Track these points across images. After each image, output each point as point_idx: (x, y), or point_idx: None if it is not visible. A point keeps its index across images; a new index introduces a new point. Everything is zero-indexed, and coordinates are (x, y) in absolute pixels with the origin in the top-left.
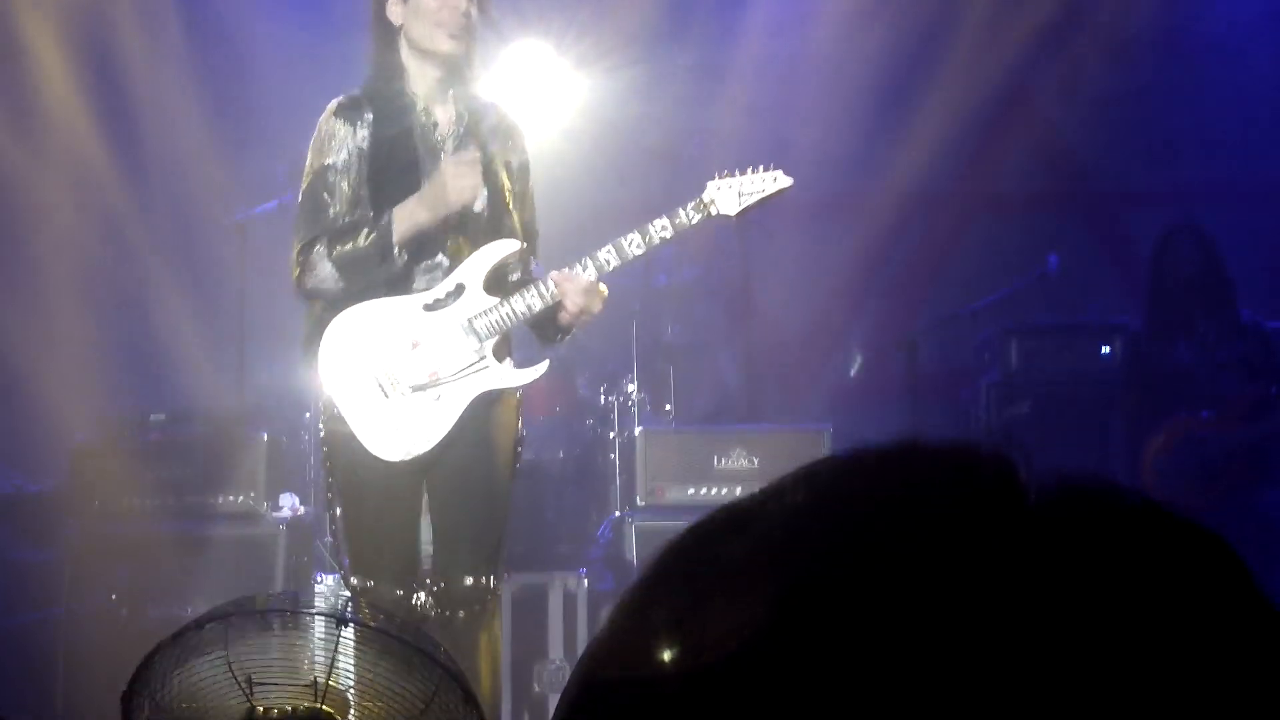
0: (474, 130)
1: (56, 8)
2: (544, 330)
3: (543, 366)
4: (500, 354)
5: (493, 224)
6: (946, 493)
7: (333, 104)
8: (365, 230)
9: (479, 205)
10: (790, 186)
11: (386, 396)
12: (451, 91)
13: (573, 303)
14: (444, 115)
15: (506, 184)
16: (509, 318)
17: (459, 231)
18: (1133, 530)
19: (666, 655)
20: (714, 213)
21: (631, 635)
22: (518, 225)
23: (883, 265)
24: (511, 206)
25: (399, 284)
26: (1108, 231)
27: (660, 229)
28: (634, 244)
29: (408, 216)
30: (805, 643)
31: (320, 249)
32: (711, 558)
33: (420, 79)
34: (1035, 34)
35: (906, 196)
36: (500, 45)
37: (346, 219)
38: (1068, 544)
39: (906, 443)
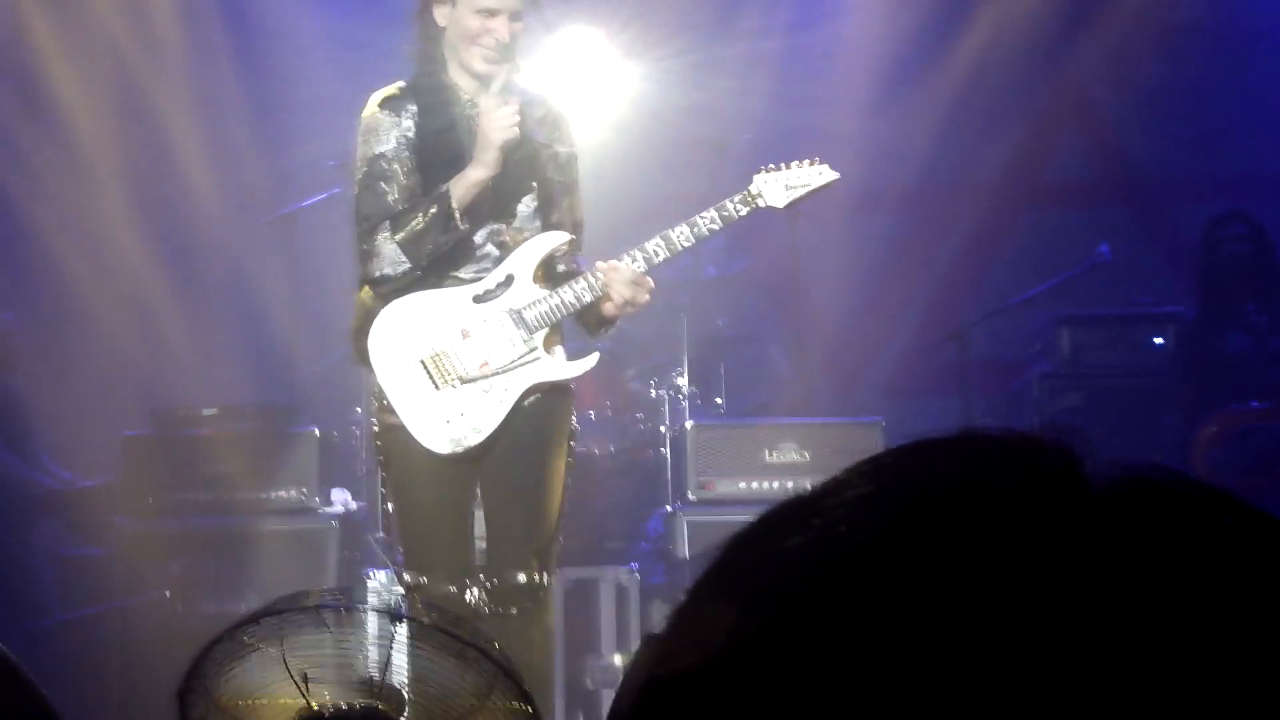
0: (520, 121)
1: (102, 5)
2: (589, 321)
3: (593, 359)
4: (550, 345)
5: (540, 215)
6: (1010, 484)
7: (376, 96)
8: (424, 208)
9: (528, 201)
10: (837, 180)
11: (437, 388)
12: (494, 84)
13: (618, 294)
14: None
15: (555, 175)
16: (559, 309)
17: (507, 222)
18: (1201, 519)
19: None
20: (761, 205)
21: (661, 642)
22: (565, 216)
23: (933, 256)
24: (558, 198)
25: (449, 272)
26: (1157, 222)
27: (708, 222)
28: (682, 236)
29: (462, 179)
30: (857, 645)
31: (384, 235)
32: (768, 555)
33: (461, 74)
34: (1083, 23)
35: (956, 187)
36: (548, 33)
37: (403, 207)
38: (1136, 534)
39: (967, 433)
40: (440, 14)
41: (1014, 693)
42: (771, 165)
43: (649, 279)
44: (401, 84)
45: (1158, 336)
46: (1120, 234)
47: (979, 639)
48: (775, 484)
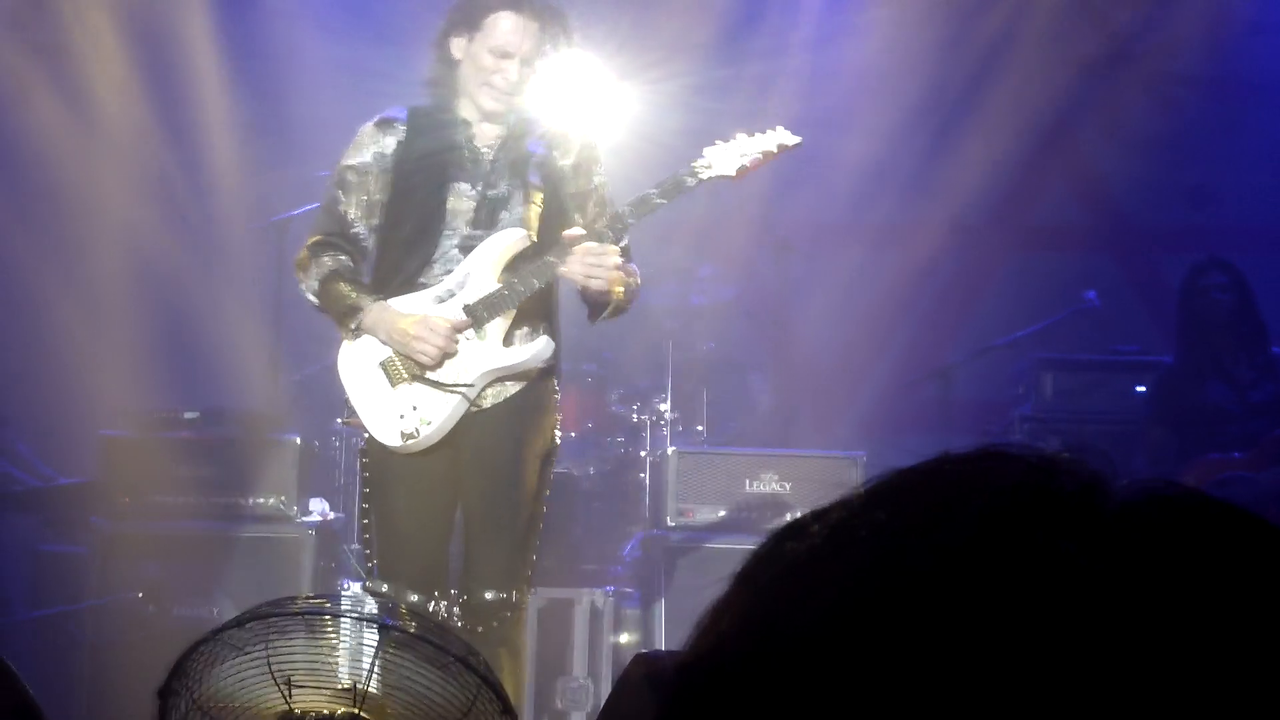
0: (518, 139)
1: (111, 18)
2: (589, 310)
3: (542, 344)
4: (508, 339)
5: (533, 224)
6: (1021, 499)
7: (377, 116)
8: (352, 290)
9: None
10: (798, 144)
11: (392, 385)
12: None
13: (574, 269)
14: (488, 127)
15: (558, 186)
16: (509, 298)
17: (486, 230)
18: (1218, 535)
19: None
20: (710, 176)
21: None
22: (589, 224)
23: (920, 293)
24: (570, 209)
25: (416, 279)
26: (1143, 270)
27: (656, 195)
28: (629, 212)
29: (373, 324)
30: (845, 652)
31: (319, 270)
32: (770, 562)
33: (468, 106)
34: (1078, 71)
35: (945, 225)
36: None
37: (362, 223)
38: (1154, 549)
39: (984, 449)
40: (456, 47)
41: (1012, 711)
42: (728, 137)
43: (610, 249)
44: (405, 107)
45: (1140, 385)
46: (1106, 280)
47: (976, 652)
48: (755, 513)
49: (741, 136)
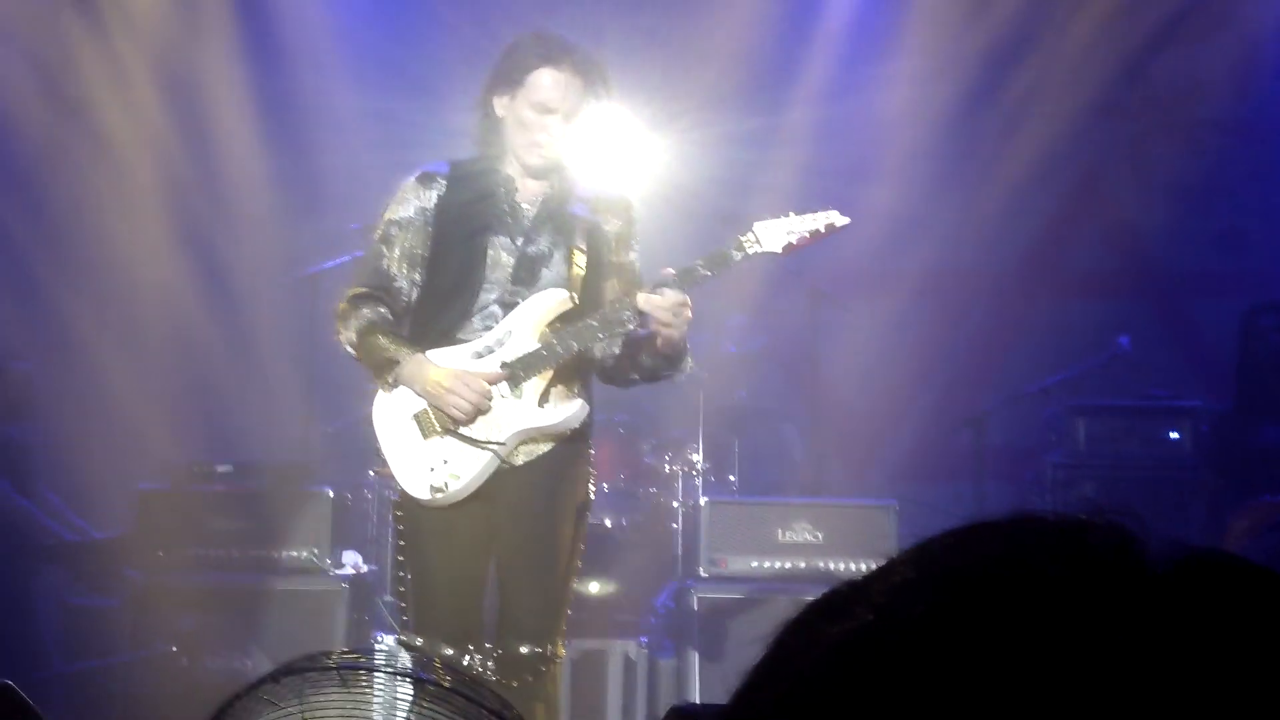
0: (561, 197)
1: (143, 74)
2: (639, 364)
3: (577, 406)
4: (544, 399)
5: (576, 286)
6: (1059, 565)
7: (419, 170)
8: (391, 342)
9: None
10: (847, 224)
11: (424, 437)
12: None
13: (658, 311)
14: (531, 184)
15: (599, 251)
16: (545, 359)
17: (526, 287)
18: (1262, 600)
19: None
20: (757, 250)
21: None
22: (620, 291)
23: (952, 340)
24: (607, 273)
25: (455, 335)
26: (1174, 315)
27: (701, 268)
28: (674, 283)
29: (409, 376)
30: None
31: (358, 321)
32: (813, 641)
33: (512, 163)
34: (1108, 116)
35: (978, 272)
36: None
37: (403, 277)
38: (1194, 614)
39: (1017, 515)
40: (499, 105)
41: None
42: (779, 214)
43: (688, 300)
44: (447, 161)
45: (1173, 430)
46: (1138, 326)
47: None
48: (788, 563)
49: (791, 214)
